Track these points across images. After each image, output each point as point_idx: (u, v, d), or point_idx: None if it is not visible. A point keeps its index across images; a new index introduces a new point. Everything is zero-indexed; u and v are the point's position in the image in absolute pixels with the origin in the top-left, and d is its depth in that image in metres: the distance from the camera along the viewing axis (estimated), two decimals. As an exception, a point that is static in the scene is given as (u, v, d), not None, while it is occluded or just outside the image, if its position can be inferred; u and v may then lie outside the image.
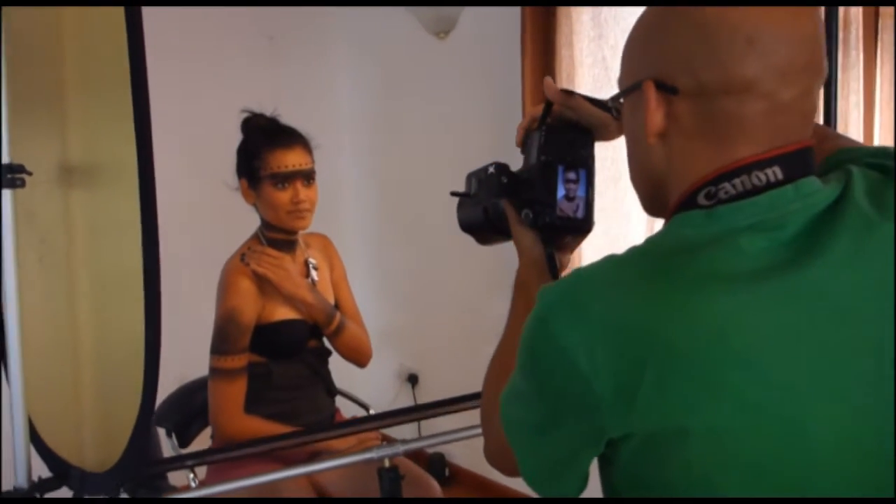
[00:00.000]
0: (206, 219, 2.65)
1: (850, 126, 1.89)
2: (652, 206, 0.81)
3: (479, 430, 0.92)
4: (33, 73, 1.34)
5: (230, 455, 1.55)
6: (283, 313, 1.79)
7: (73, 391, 1.34)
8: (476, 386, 1.00)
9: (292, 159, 1.78)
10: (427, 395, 3.23)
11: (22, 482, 1.21)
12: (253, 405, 1.74)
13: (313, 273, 1.88)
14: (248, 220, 1.86)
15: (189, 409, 1.98)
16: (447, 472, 3.16)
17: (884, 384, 0.67)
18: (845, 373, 0.67)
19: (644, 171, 0.79)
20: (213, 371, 1.72)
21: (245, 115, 1.86)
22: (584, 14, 2.51)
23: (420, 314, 3.33)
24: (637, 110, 0.75)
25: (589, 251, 2.11)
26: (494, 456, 0.87)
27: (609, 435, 0.69)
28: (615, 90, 0.82)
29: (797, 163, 0.70)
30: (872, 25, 1.85)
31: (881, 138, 1.85)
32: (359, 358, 1.93)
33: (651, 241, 0.72)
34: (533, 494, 0.79)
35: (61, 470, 1.29)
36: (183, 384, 2.05)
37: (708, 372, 0.64)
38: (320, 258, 1.94)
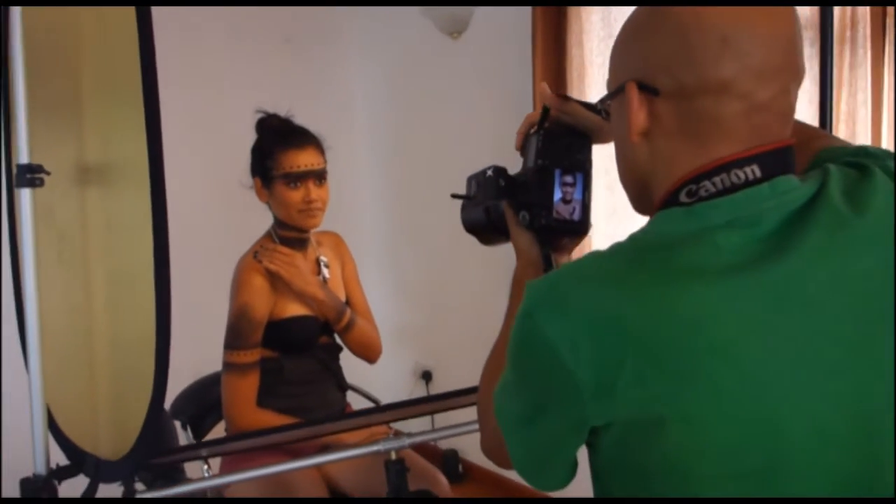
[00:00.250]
0: (222, 217, 2.70)
1: (858, 124, 1.90)
2: (640, 203, 0.83)
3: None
4: (53, 79, 1.39)
5: (241, 444, 1.58)
6: (295, 310, 1.82)
7: (88, 382, 1.39)
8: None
9: (305, 159, 1.81)
10: (441, 391, 3.25)
11: (41, 469, 1.25)
12: (265, 399, 1.79)
13: (324, 271, 1.92)
14: (262, 219, 1.91)
15: (204, 402, 2.02)
16: (460, 468, 3.19)
17: (854, 374, 0.69)
18: (816, 363, 0.69)
19: (630, 170, 0.81)
20: (226, 365, 1.76)
21: (259, 115, 1.90)
22: (593, 14, 2.53)
23: (434, 311, 3.36)
24: (622, 111, 0.78)
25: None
26: (489, 448, 0.90)
27: (591, 423, 0.72)
28: None
29: (775, 161, 0.72)
30: (880, 24, 1.86)
31: (889, 135, 1.86)
32: (368, 354, 1.97)
33: (632, 238, 0.75)
34: (542, 493, 0.82)
35: (78, 458, 1.34)
36: (197, 379, 2.10)
37: (683, 362, 0.67)
38: (332, 256, 1.98)
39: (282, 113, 1.90)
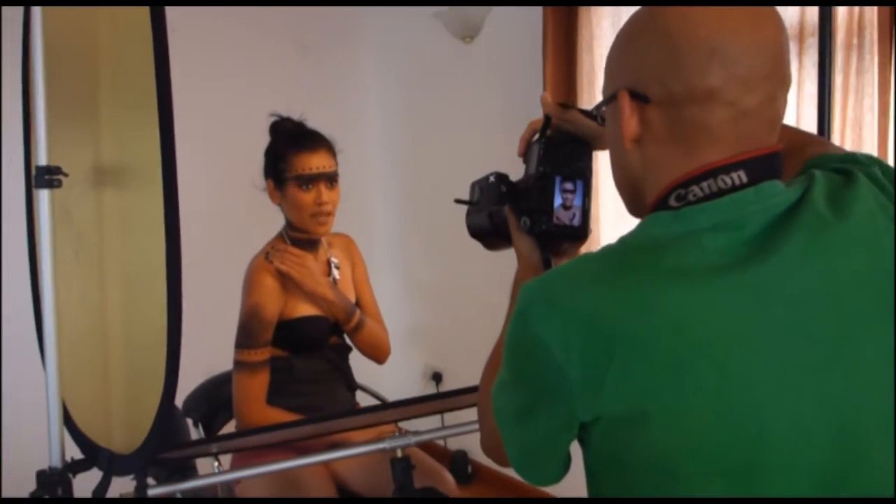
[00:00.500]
0: (236, 218, 2.74)
1: (865, 129, 1.91)
2: (633, 206, 0.86)
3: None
4: (70, 82, 1.43)
5: (250, 440, 1.61)
6: (305, 310, 1.86)
7: (103, 378, 1.42)
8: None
9: (317, 162, 1.85)
10: (450, 393, 3.28)
11: (56, 462, 1.29)
12: (275, 398, 1.82)
13: (335, 272, 1.95)
14: (274, 220, 1.94)
15: (215, 400, 2.06)
16: (470, 469, 3.21)
17: (834, 373, 0.72)
18: (797, 362, 0.71)
19: (623, 175, 0.84)
20: (237, 364, 1.80)
21: (273, 118, 1.93)
22: (604, 20, 2.56)
23: (444, 313, 3.39)
24: (615, 118, 0.80)
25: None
26: (489, 447, 0.92)
27: (580, 419, 0.74)
28: None
29: (762, 167, 0.75)
30: (888, 30, 1.86)
31: (896, 142, 1.87)
32: (377, 355, 2.00)
33: (622, 240, 0.77)
34: (546, 493, 0.85)
35: (92, 452, 1.38)
36: (209, 377, 2.13)
37: (668, 359, 0.69)
38: (342, 257, 2.01)
39: (295, 116, 1.93)
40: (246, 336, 1.80)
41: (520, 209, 1.02)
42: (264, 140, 1.93)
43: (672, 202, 0.76)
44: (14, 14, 1.82)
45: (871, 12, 1.88)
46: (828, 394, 0.71)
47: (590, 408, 0.72)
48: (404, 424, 1.86)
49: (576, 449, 0.81)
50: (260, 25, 3.18)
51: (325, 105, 2.96)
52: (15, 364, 2.58)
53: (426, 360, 3.44)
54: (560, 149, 1.01)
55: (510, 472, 0.87)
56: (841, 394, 0.72)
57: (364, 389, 2.12)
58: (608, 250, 0.76)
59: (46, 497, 1.27)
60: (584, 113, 1.02)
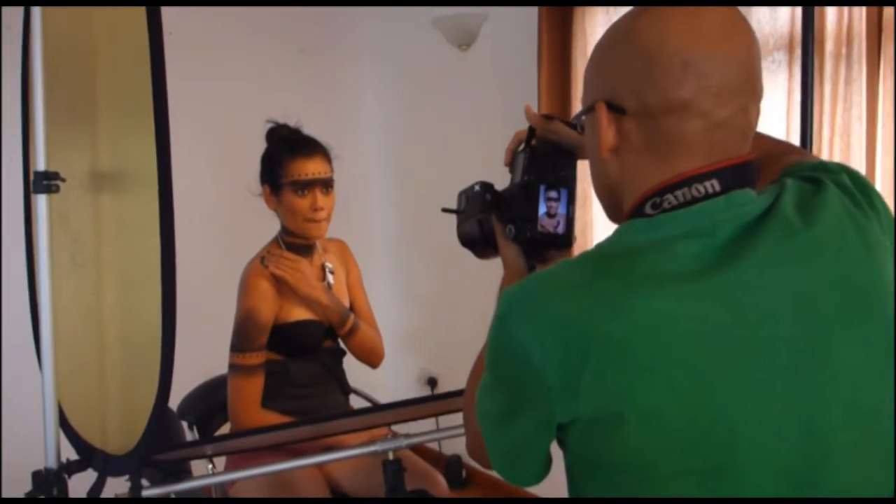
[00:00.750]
0: (232, 223, 2.77)
1: (853, 138, 1.93)
2: (612, 213, 0.88)
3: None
4: (68, 88, 1.45)
5: (244, 441, 1.63)
6: (300, 314, 1.88)
7: (99, 380, 1.44)
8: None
9: (312, 168, 1.87)
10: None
11: (52, 463, 1.31)
12: (270, 401, 1.84)
13: (329, 276, 1.98)
14: (269, 225, 1.97)
15: (211, 404, 2.08)
16: (464, 473, 3.23)
17: (801, 375, 0.74)
18: (766, 364, 0.73)
19: (602, 183, 0.87)
20: (232, 367, 1.82)
21: (270, 125, 1.96)
22: (598, 28, 2.59)
23: (440, 318, 3.41)
24: (594, 128, 0.83)
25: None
26: (474, 450, 0.94)
27: (558, 420, 0.76)
28: None
29: (734, 176, 0.77)
30: (875, 40, 1.89)
31: (884, 150, 1.89)
32: (371, 359, 2.02)
33: (599, 247, 0.80)
34: (532, 494, 0.87)
35: (87, 453, 1.40)
36: (205, 381, 2.15)
37: (641, 362, 0.71)
38: (337, 262, 2.03)
39: (291, 123, 1.96)
40: (241, 340, 1.82)
41: (505, 217, 1.04)
42: (261, 145, 1.95)
43: (648, 210, 0.79)
44: (14, 20, 1.85)
45: (860, 23, 1.90)
46: (795, 396, 0.73)
47: (567, 409, 0.75)
48: (399, 429, 1.88)
49: (558, 450, 0.83)
50: (258, 30, 3.20)
51: (322, 110, 2.99)
52: (14, 365, 2.60)
53: (421, 365, 3.46)
54: (544, 158, 1.04)
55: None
56: (808, 396, 0.74)
57: (358, 393, 2.14)
58: (585, 256, 0.79)
59: (42, 497, 1.29)
60: (567, 123, 1.04)
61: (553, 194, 1.03)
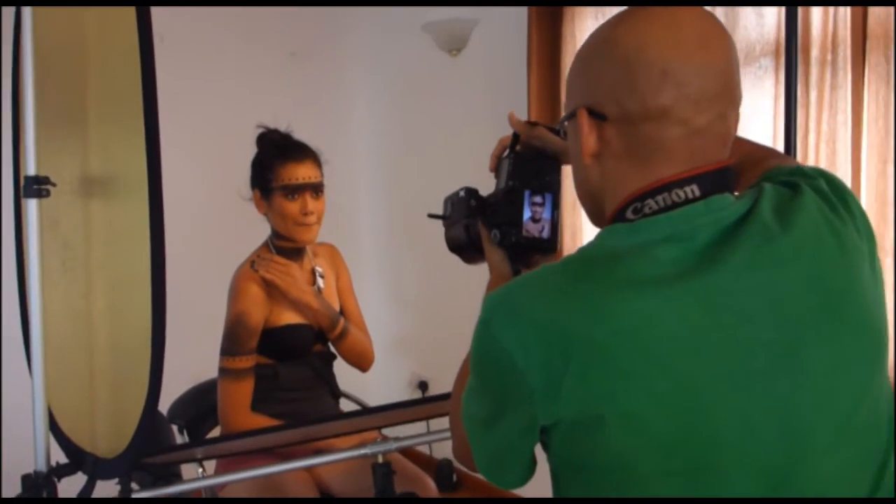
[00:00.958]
0: (222, 228, 2.77)
1: (839, 143, 1.95)
2: (594, 218, 0.90)
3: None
4: (59, 93, 1.46)
5: (234, 444, 1.64)
6: (290, 318, 1.89)
7: (89, 383, 1.45)
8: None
9: (303, 172, 1.88)
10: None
11: (41, 466, 1.31)
12: (260, 405, 1.84)
13: (319, 281, 1.98)
14: (260, 230, 1.97)
15: (201, 407, 2.08)
16: (455, 477, 3.24)
17: (779, 377, 0.75)
18: (744, 366, 0.74)
19: (584, 188, 0.88)
20: (222, 371, 1.82)
21: (260, 130, 1.97)
22: (587, 32, 2.59)
23: (430, 323, 3.42)
24: (576, 134, 0.84)
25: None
26: (460, 453, 0.95)
27: (541, 422, 0.77)
28: None
29: (714, 181, 0.79)
30: (860, 47, 1.91)
31: (868, 155, 1.91)
32: (361, 363, 2.03)
33: (581, 251, 0.81)
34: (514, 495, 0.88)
35: (77, 456, 1.40)
36: (195, 385, 2.16)
37: (621, 365, 0.73)
38: (327, 267, 2.04)
39: (282, 128, 1.96)
40: (231, 343, 1.82)
41: (490, 222, 1.05)
42: (251, 149, 1.96)
43: (629, 215, 0.80)
44: (4, 26, 1.85)
45: (845, 30, 1.93)
46: (773, 397, 0.75)
47: (549, 412, 0.76)
48: (389, 432, 1.89)
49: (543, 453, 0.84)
50: (248, 34, 3.21)
51: (312, 115, 3.00)
52: (7, 368, 2.59)
53: (412, 369, 3.47)
54: (529, 163, 1.05)
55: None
56: (785, 397, 0.75)
57: (348, 397, 2.14)
58: (567, 261, 0.80)
59: (30, 497, 1.29)
60: (552, 129, 1.06)
61: (538, 199, 1.05)
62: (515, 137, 1.06)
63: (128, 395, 1.28)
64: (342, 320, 1.96)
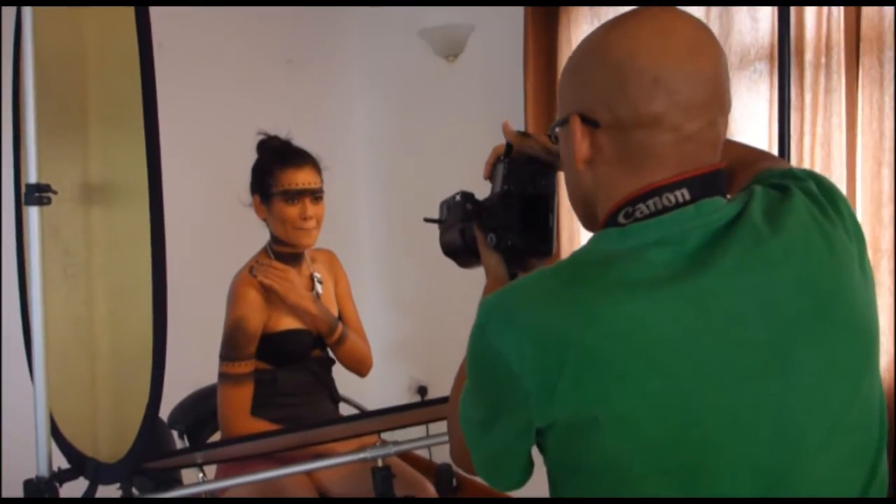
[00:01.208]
0: (223, 233, 2.77)
1: (833, 146, 1.96)
2: (587, 222, 0.91)
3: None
4: (59, 100, 1.47)
5: (234, 448, 1.64)
6: (289, 323, 1.90)
7: (90, 389, 1.46)
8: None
9: (302, 178, 1.89)
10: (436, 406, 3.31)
11: (43, 472, 1.32)
12: (259, 410, 1.85)
13: (318, 286, 2.00)
14: (258, 235, 1.98)
15: (201, 413, 2.09)
16: (455, 482, 3.23)
17: (770, 378, 0.76)
18: (736, 368, 0.75)
19: (577, 193, 0.89)
20: (222, 376, 1.83)
21: (260, 136, 1.98)
22: (583, 36, 2.61)
23: (429, 328, 3.42)
24: (568, 140, 0.86)
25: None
26: (458, 457, 0.96)
27: (536, 425, 0.78)
28: None
29: (704, 185, 0.80)
30: (854, 50, 1.93)
31: (863, 158, 1.92)
32: (359, 368, 2.04)
33: (574, 255, 0.82)
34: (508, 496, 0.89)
35: (78, 462, 1.41)
36: (195, 390, 2.16)
37: (614, 367, 0.74)
38: (325, 272, 2.05)
39: (282, 135, 1.98)
40: (230, 349, 1.83)
41: (486, 226, 1.06)
42: (251, 156, 1.97)
43: (621, 219, 0.81)
44: (5, 31, 1.86)
45: (839, 33, 1.94)
46: (765, 398, 0.76)
47: (544, 415, 0.77)
48: (388, 436, 1.90)
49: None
50: (247, 42, 3.22)
51: (310, 121, 3.01)
52: (15, 372, 2.60)
53: (411, 374, 3.47)
54: (523, 168, 1.06)
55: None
56: (778, 398, 0.76)
57: (348, 402, 2.15)
58: (560, 265, 0.81)
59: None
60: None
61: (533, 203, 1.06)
62: (509, 147, 1.07)
63: (129, 401, 1.29)
64: (340, 325, 1.97)
